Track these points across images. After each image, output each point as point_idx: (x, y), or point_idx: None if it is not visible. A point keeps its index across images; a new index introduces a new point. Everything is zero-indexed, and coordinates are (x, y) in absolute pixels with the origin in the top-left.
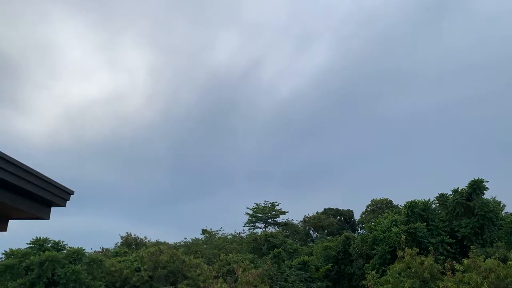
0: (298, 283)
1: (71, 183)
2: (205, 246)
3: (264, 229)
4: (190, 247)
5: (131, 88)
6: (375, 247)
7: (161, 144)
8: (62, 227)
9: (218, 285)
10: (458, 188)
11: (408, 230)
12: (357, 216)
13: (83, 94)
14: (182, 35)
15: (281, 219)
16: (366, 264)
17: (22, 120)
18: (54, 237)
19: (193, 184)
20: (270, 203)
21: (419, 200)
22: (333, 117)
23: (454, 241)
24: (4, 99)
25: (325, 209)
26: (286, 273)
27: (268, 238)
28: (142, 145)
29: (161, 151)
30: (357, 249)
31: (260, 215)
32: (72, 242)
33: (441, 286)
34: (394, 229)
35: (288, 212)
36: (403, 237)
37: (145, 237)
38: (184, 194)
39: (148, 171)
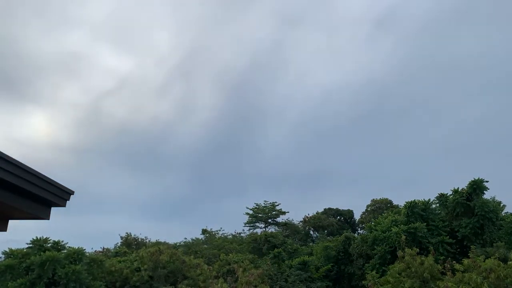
0: (298, 283)
1: (70, 182)
2: (205, 246)
3: (264, 229)
4: (190, 247)
5: (147, 78)
6: (375, 247)
7: (172, 144)
8: (63, 226)
9: (218, 285)
10: (458, 188)
11: (408, 230)
12: (357, 216)
13: (95, 84)
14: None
15: (281, 219)
16: (366, 264)
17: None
18: (54, 237)
19: (201, 186)
20: (270, 203)
21: (419, 200)
22: (356, 124)
23: (454, 241)
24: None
25: (325, 209)
26: (286, 273)
27: (268, 238)
28: (154, 144)
29: (172, 151)
30: (357, 249)
31: (260, 215)
32: (73, 242)
33: (441, 286)
34: (394, 229)
35: (288, 212)
36: (403, 237)
37: (145, 237)
38: (190, 196)
39: (158, 171)
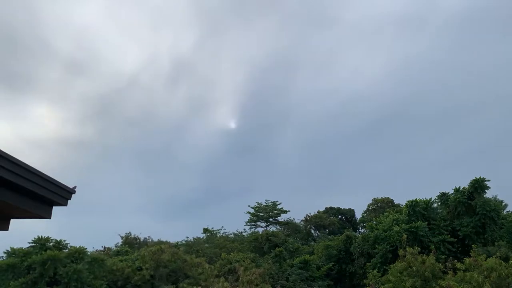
0: (299, 282)
1: (72, 181)
2: (206, 245)
3: (265, 228)
4: (192, 246)
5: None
6: (377, 246)
7: (182, 144)
8: (64, 225)
9: (220, 284)
10: (459, 187)
11: (410, 229)
12: (358, 215)
13: (104, 78)
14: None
15: (282, 218)
16: (367, 263)
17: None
18: (55, 236)
19: (204, 186)
20: (271, 202)
21: (420, 199)
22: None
23: (455, 240)
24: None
25: (326, 208)
26: (288, 272)
27: (269, 237)
28: (161, 142)
29: (180, 151)
30: (359, 248)
31: (261, 214)
32: (74, 241)
33: (442, 285)
34: (396, 228)
35: (289, 211)
36: (405, 236)
37: (148, 236)
38: (193, 195)
39: (164, 170)
